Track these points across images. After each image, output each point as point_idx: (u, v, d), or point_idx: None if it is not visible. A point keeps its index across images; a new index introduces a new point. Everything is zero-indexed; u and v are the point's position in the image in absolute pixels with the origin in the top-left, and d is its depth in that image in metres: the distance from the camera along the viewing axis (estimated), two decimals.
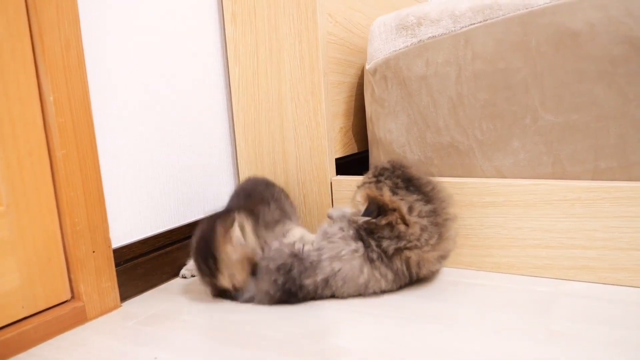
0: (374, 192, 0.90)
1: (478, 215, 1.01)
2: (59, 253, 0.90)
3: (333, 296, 0.92)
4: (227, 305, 0.94)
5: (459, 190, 1.02)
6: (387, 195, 0.89)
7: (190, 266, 1.10)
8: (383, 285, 0.91)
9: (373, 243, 0.90)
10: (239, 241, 0.90)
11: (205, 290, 1.00)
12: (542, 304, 0.86)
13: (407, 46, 1.07)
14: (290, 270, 0.88)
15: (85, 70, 0.91)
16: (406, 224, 0.88)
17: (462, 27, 1.01)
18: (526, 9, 0.95)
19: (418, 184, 0.92)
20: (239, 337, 0.80)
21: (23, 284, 0.84)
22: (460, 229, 1.02)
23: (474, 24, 1.00)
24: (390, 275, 0.90)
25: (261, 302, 0.92)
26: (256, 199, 1.03)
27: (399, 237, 0.88)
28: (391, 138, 1.13)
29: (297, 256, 0.90)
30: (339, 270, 0.89)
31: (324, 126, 1.15)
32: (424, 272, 0.92)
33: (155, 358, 0.76)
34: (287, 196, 1.14)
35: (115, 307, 0.96)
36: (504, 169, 1.02)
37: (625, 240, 0.90)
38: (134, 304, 0.99)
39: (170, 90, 1.12)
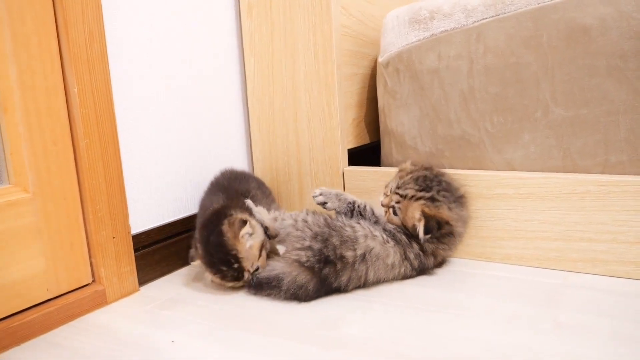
0: (433, 211, 0.94)
1: (488, 207, 1.03)
2: (81, 238, 0.93)
3: (365, 276, 0.93)
4: (241, 294, 0.97)
5: (470, 182, 1.04)
6: (445, 214, 0.95)
7: (192, 252, 1.13)
8: (408, 271, 0.96)
9: (415, 245, 0.96)
10: (249, 235, 0.94)
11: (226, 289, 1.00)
12: (550, 295, 0.88)
13: (419, 40, 1.09)
14: (327, 239, 0.91)
15: (107, 62, 0.94)
16: (453, 235, 0.98)
17: (475, 21, 1.02)
18: (538, 4, 0.96)
19: (455, 191, 0.99)
20: (254, 325, 0.83)
21: (47, 267, 0.88)
22: (471, 221, 1.04)
23: (486, 18, 1.01)
24: (416, 263, 0.96)
25: (291, 278, 0.91)
26: (231, 194, 1.06)
27: (443, 243, 0.98)
28: (403, 130, 1.15)
29: (332, 227, 0.93)
30: (373, 248, 0.92)
31: (337, 117, 1.18)
32: (438, 260, 1.01)
33: (173, 341, 0.79)
34: (265, 190, 1.16)
35: (134, 291, 1.00)
36: (514, 162, 1.03)
37: (633, 233, 0.92)
38: (151, 288, 1.02)
39: (187, 80, 1.15)
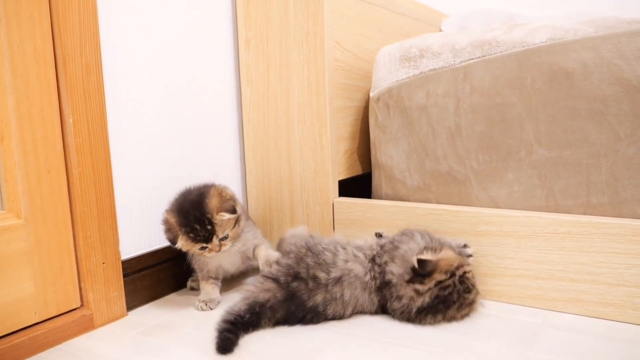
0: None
1: (472, 243, 1.04)
2: (71, 263, 0.96)
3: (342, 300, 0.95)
4: None
5: (455, 218, 1.05)
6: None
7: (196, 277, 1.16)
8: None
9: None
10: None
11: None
12: (527, 335, 0.89)
13: (409, 77, 1.12)
14: (301, 258, 0.96)
15: (103, 94, 0.97)
16: None
17: (462, 61, 1.05)
18: (522, 47, 0.98)
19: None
20: (236, 353, 0.85)
21: (37, 291, 0.91)
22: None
23: (473, 59, 1.03)
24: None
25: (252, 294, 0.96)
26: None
27: None
28: (392, 163, 1.17)
29: (311, 248, 0.97)
30: (351, 270, 0.95)
31: (328, 149, 1.20)
32: None
33: None
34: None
35: (122, 316, 1.02)
36: (499, 200, 1.05)
37: (613, 275, 0.92)
38: (139, 313, 1.04)
39: (184, 110, 1.18)
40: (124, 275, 1.04)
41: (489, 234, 1.03)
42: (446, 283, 0.91)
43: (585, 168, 0.95)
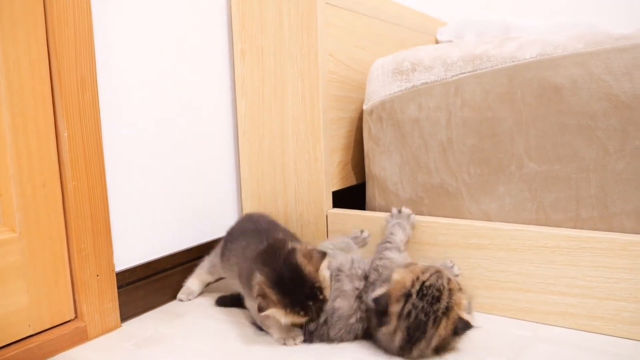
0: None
1: (464, 255, 1.05)
2: (65, 276, 0.97)
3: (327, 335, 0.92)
4: (218, 331, 1.00)
5: (446, 230, 1.06)
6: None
7: (187, 290, 1.16)
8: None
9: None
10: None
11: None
12: (515, 349, 0.89)
13: (401, 90, 1.13)
14: None
15: (98, 108, 0.99)
16: None
17: (453, 75, 1.06)
18: (513, 62, 0.99)
19: None
20: None
21: (30, 304, 0.92)
22: None
23: (464, 73, 1.04)
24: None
25: None
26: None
27: None
28: (385, 175, 1.18)
29: None
30: (339, 308, 0.91)
31: (322, 161, 1.21)
32: None
33: None
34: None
35: (116, 327, 1.03)
36: (490, 213, 1.06)
37: (602, 289, 0.93)
38: (134, 324, 1.05)
39: (179, 121, 1.19)
40: (119, 287, 1.05)
41: (480, 247, 1.03)
42: (406, 310, 0.82)
43: (574, 182, 0.96)
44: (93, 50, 0.97)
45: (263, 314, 0.87)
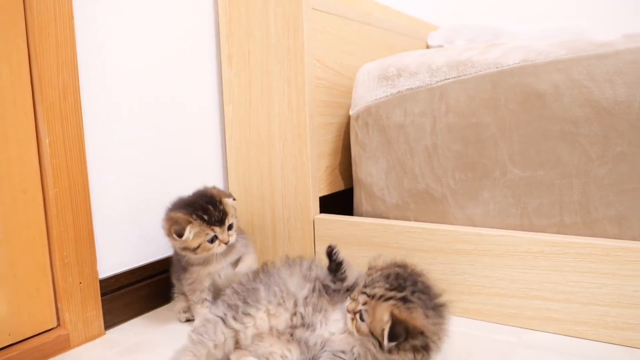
0: (403, 314, 0.76)
1: (449, 261, 1.05)
2: (47, 284, 0.96)
3: None
4: None
5: (431, 236, 1.06)
6: (420, 321, 0.76)
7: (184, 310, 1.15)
8: None
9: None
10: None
11: None
12: (498, 355, 0.89)
13: (387, 96, 1.13)
14: None
15: (81, 114, 0.98)
16: (427, 350, 0.78)
17: (438, 81, 1.06)
18: (496, 68, 1.00)
19: (434, 297, 0.82)
20: None
21: (11, 312, 0.91)
22: (432, 274, 1.04)
23: (449, 79, 1.04)
24: None
25: None
26: None
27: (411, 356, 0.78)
28: (372, 181, 1.18)
29: None
30: None
31: (309, 166, 1.21)
32: None
33: None
34: None
35: (99, 335, 1.02)
36: (475, 218, 1.06)
37: (586, 294, 0.93)
38: (117, 332, 1.05)
39: (166, 124, 1.19)
40: (103, 294, 1.04)
41: (465, 252, 1.03)
42: None
43: (558, 188, 0.96)
44: (75, 57, 0.97)
45: (183, 238, 0.95)
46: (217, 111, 1.34)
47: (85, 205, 0.99)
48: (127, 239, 1.12)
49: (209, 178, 1.32)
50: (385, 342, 0.74)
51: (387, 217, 1.17)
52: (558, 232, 0.98)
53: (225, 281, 1.07)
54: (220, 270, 1.05)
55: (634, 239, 0.92)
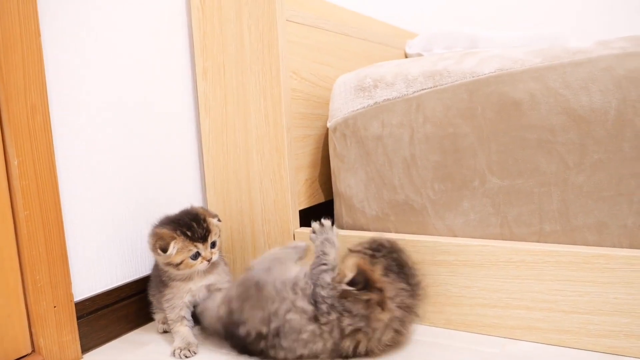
0: (366, 265, 0.88)
1: (430, 272, 1.04)
2: (20, 309, 0.93)
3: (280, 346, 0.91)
4: None
5: (412, 247, 1.05)
6: (377, 273, 0.88)
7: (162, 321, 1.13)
8: (320, 348, 0.90)
9: (334, 315, 0.88)
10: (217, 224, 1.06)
11: None
12: None
13: (364, 107, 1.12)
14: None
15: (51, 134, 0.96)
16: (383, 308, 0.87)
17: (415, 91, 1.05)
18: (473, 77, 0.99)
19: (409, 273, 0.92)
20: None
21: None
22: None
23: (425, 89, 1.04)
24: (329, 345, 0.89)
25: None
26: None
27: (366, 318, 0.87)
28: (351, 193, 1.17)
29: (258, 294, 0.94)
30: (290, 320, 0.90)
31: (288, 180, 1.19)
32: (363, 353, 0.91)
33: None
34: None
35: (76, 359, 1.00)
36: (455, 228, 1.05)
37: (567, 303, 0.93)
38: (95, 356, 1.02)
39: (141, 140, 1.17)
40: (79, 317, 1.02)
41: (446, 263, 1.02)
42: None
43: (537, 196, 0.96)
44: (43, 74, 0.94)
45: (167, 253, 0.96)
46: (193, 126, 1.32)
47: (58, 226, 0.97)
48: (103, 259, 1.09)
49: (186, 194, 1.30)
50: (344, 285, 0.86)
51: (368, 229, 1.16)
52: (538, 241, 0.98)
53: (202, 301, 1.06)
54: (201, 288, 1.04)
55: (614, 246, 0.92)
